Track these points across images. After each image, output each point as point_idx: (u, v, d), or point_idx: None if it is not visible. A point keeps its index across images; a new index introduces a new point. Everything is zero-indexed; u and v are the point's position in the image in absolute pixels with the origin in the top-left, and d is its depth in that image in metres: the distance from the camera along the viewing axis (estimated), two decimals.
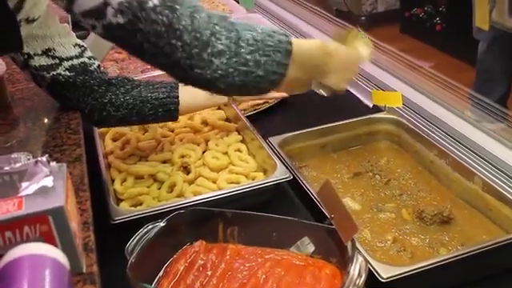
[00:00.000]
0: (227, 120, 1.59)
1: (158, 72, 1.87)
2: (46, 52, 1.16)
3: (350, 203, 1.27)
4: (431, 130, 1.49)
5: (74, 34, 1.23)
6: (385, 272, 0.96)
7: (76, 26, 1.39)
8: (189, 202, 1.18)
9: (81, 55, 1.21)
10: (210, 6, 2.70)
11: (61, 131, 1.15)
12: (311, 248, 1.04)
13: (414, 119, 1.55)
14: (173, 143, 1.46)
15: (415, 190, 1.32)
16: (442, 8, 2.17)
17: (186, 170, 1.34)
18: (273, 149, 1.37)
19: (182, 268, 1.02)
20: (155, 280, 1.01)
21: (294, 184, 1.27)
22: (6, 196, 0.68)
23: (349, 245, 0.94)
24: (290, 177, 1.24)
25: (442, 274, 1.01)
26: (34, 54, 1.16)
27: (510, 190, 1.18)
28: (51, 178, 0.71)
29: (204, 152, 1.42)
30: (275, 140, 1.41)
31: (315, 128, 1.48)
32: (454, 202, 1.26)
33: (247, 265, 1.01)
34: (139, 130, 1.53)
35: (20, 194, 0.69)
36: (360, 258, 0.91)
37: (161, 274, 1.02)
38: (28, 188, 0.70)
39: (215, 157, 1.39)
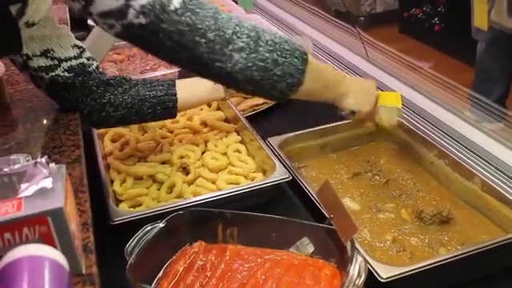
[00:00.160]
0: (226, 121, 1.59)
1: (157, 73, 1.87)
2: (45, 53, 1.17)
3: (350, 203, 1.27)
4: (430, 131, 1.49)
5: (73, 35, 1.24)
6: (384, 272, 0.96)
7: (74, 27, 1.40)
8: (188, 202, 1.18)
9: (79, 56, 1.21)
10: None
11: (60, 132, 1.15)
12: (311, 248, 1.04)
13: (413, 119, 1.55)
14: (172, 144, 1.46)
15: (414, 190, 1.32)
16: (440, 8, 2.17)
17: (185, 170, 1.34)
18: (272, 149, 1.37)
19: (181, 269, 1.02)
20: (155, 281, 1.01)
21: (294, 184, 1.27)
22: (6, 197, 0.68)
23: (348, 245, 0.94)
24: (289, 177, 1.24)
25: (441, 273, 1.01)
26: (33, 55, 1.16)
27: (509, 190, 1.18)
28: (50, 179, 0.71)
29: (203, 153, 1.42)
30: (274, 140, 1.41)
31: (314, 128, 1.48)
32: (454, 202, 1.26)
33: (246, 265, 1.01)
34: (138, 130, 1.53)
35: (19, 196, 0.69)
36: (359, 258, 0.91)
37: (160, 274, 1.02)
38: (27, 189, 0.70)
39: (214, 157, 1.39)
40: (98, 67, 1.24)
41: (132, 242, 1.00)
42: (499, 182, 1.22)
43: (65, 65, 1.18)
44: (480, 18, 1.39)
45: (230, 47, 0.90)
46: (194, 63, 0.92)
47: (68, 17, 1.94)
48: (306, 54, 1.01)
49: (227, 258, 1.02)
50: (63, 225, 0.68)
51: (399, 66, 1.82)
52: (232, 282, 0.97)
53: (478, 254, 1.01)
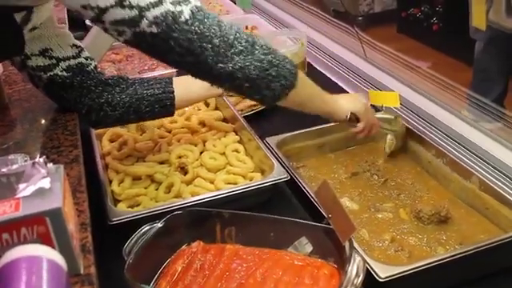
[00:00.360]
0: (224, 120, 1.59)
1: (155, 73, 1.87)
2: (44, 52, 1.16)
3: (348, 203, 1.27)
4: (429, 130, 1.49)
5: (72, 35, 1.23)
6: (383, 272, 0.96)
7: (73, 27, 1.40)
8: (186, 202, 1.18)
9: (78, 56, 1.21)
10: (207, 7, 2.69)
11: (58, 132, 1.15)
12: (309, 248, 1.04)
13: (412, 119, 1.56)
14: (170, 144, 1.46)
15: (413, 190, 1.32)
16: (438, 8, 2.17)
17: (183, 170, 1.34)
18: (270, 149, 1.37)
19: (179, 268, 1.02)
20: (153, 281, 1.01)
21: (292, 184, 1.27)
22: (3, 197, 0.68)
23: (346, 245, 0.94)
24: (287, 177, 1.24)
25: (439, 273, 1.01)
26: (32, 55, 1.16)
27: (507, 189, 1.18)
28: (48, 179, 0.71)
29: (201, 152, 1.42)
30: (273, 140, 1.41)
31: (313, 128, 1.48)
32: (452, 201, 1.26)
33: (245, 265, 1.01)
34: (136, 130, 1.52)
35: (17, 196, 0.69)
36: (358, 258, 0.92)
37: (159, 274, 1.02)
38: (25, 189, 0.70)
39: (213, 157, 1.39)
40: (96, 67, 1.24)
41: (130, 242, 1.00)
42: (497, 182, 1.22)
43: (63, 64, 1.18)
44: (478, 18, 1.39)
45: (232, 50, 0.98)
46: (199, 65, 0.99)
47: (66, 16, 1.94)
48: (294, 63, 1.11)
49: (225, 257, 1.02)
50: (61, 225, 0.68)
51: (397, 66, 1.82)
52: (230, 282, 0.97)
53: (476, 254, 1.01)
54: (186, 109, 1.59)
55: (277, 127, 1.54)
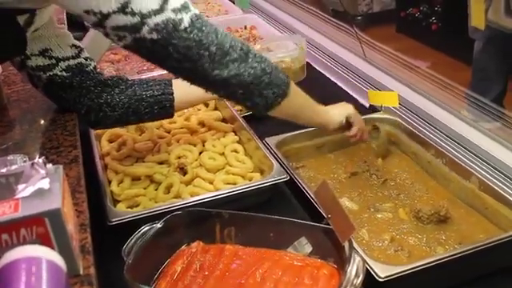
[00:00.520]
0: (224, 121, 1.59)
1: (154, 73, 1.87)
2: (43, 52, 1.16)
3: (347, 203, 1.27)
4: (428, 130, 1.49)
5: (71, 35, 1.23)
6: (382, 271, 0.96)
7: (72, 27, 1.39)
8: (186, 202, 1.18)
9: (77, 56, 1.21)
10: (205, 7, 2.70)
11: (57, 133, 1.15)
12: (308, 248, 1.04)
13: (411, 119, 1.56)
14: (169, 144, 1.46)
15: (412, 190, 1.32)
16: (437, 7, 2.17)
17: (182, 170, 1.34)
18: (269, 149, 1.37)
19: (179, 269, 1.02)
20: (152, 281, 1.01)
21: (291, 184, 1.27)
22: (3, 198, 0.68)
23: (346, 245, 0.94)
24: (286, 177, 1.24)
25: (439, 273, 1.01)
26: (31, 55, 1.16)
27: (506, 189, 1.18)
28: (47, 179, 0.71)
29: (201, 153, 1.42)
30: (272, 140, 1.41)
31: (312, 128, 1.48)
32: (451, 201, 1.26)
33: (244, 265, 1.01)
34: (135, 131, 1.52)
35: (16, 197, 0.69)
36: (357, 258, 0.92)
37: (158, 275, 1.02)
38: (24, 190, 0.70)
39: (212, 157, 1.38)
40: (95, 67, 1.24)
41: (130, 243, 1.00)
42: (496, 181, 1.22)
43: (63, 64, 1.18)
44: (477, 17, 1.39)
45: (227, 58, 1.01)
46: (195, 71, 1.01)
47: (65, 17, 1.94)
48: (286, 73, 1.14)
49: (225, 258, 1.02)
50: (60, 226, 0.68)
51: (396, 66, 1.82)
52: (230, 282, 0.97)
53: (476, 253, 1.01)
54: None
55: (276, 127, 1.53)
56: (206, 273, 1.00)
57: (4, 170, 0.72)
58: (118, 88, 1.23)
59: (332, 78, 1.97)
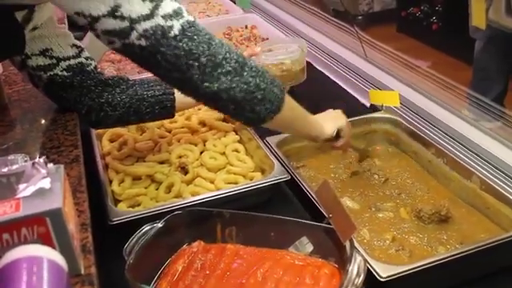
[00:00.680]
0: (225, 120, 1.59)
1: None
2: (44, 52, 1.16)
3: (349, 203, 1.27)
4: (429, 129, 1.49)
5: (72, 35, 1.23)
6: (383, 271, 0.96)
7: (72, 27, 1.39)
8: (187, 202, 1.18)
9: (78, 55, 1.21)
10: (206, 7, 2.70)
11: (58, 132, 1.15)
12: (310, 248, 1.04)
13: (412, 118, 1.55)
14: (170, 144, 1.45)
15: (413, 189, 1.32)
16: (438, 7, 2.18)
17: (183, 170, 1.34)
18: (270, 149, 1.36)
19: (180, 268, 1.02)
20: (153, 281, 1.00)
21: (292, 184, 1.27)
22: (4, 198, 0.68)
23: (347, 244, 0.94)
24: (287, 177, 1.24)
25: (440, 272, 1.01)
26: (32, 54, 1.16)
27: (507, 188, 1.18)
28: (48, 179, 0.71)
29: (202, 152, 1.42)
30: (273, 140, 1.41)
31: None
32: (452, 200, 1.26)
33: (245, 265, 1.01)
34: (136, 130, 1.52)
35: (17, 196, 0.69)
36: (359, 258, 0.91)
37: (159, 274, 1.02)
38: (25, 190, 0.70)
39: (213, 157, 1.38)
40: (96, 67, 1.24)
41: (131, 242, 1.00)
42: (498, 181, 1.22)
43: (63, 64, 1.18)
44: (478, 17, 1.39)
45: (219, 70, 0.97)
46: (184, 82, 0.98)
47: (66, 16, 1.94)
48: (282, 85, 1.09)
49: (226, 257, 1.02)
50: (62, 225, 0.68)
51: (397, 65, 1.82)
52: (231, 282, 0.97)
53: (477, 253, 1.01)
54: None
55: None
56: (207, 272, 1.00)
57: (5, 170, 0.72)
58: (118, 88, 1.23)
59: (333, 78, 1.97)
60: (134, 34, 0.91)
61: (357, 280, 0.88)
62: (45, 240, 0.67)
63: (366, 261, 0.93)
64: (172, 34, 0.92)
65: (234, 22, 2.39)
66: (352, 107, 1.69)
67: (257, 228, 1.08)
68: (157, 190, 1.29)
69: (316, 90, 1.81)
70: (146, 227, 1.03)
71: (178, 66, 0.94)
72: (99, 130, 1.47)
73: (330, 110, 1.32)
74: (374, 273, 0.96)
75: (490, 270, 1.07)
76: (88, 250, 0.79)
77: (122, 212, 1.17)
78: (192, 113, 1.59)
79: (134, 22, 0.90)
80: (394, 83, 1.76)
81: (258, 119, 1.06)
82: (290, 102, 1.10)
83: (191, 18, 0.95)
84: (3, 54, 1.15)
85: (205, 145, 1.45)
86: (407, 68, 1.79)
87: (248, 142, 1.45)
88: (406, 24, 2.19)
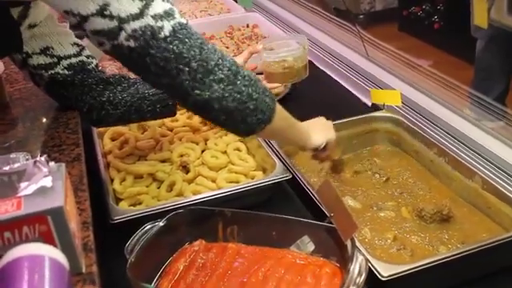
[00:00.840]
0: None
1: None
2: (45, 51, 1.16)
3: (350, 202, 1.27)
4: (430, 129, 1.49)
5: (73, 33, 1.23)
6: (385, 270, 0.96)
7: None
8: (188, 201, 1.18)
9: (79, 54, 1.21)
10: (208, 5, 2.70)
11: (59, 131, 1.15)
12: (311, 247, 1.04)
13: (413, 118, 1.55)
14: (172, 142, 1.45)
15: (415, 189, 1.32)
16: (440, 6, 2.17)
17: (185, 169, 1.34)
18: (272, 148, 1.36)
19: (181, 267, 1.02)
20: (155, 279, 1.01)
21: (294, 183, 1.27)
22: (5, 196, 0.68)
23: (349, 243, 0.94)
24: (289, 176, 1.24)
25: (442, 272, 1.00)
26: (33, 53, 1.16)
27: (509, 188, 1.18)
28: (50, 177, 0.71)
29: (203, 151, 1.42)
30: None
31: None
32: (454, 200, 1.26)
33: (247, 264, 1.00)
34: (138, 129, 1.52)
35: (19, 195, 0.69)
36: (360, 257, 0.91)
37: (160, 273, 1.02)
38: (27, 188, 0.70)
39: (214, 156, 1.38)
40: (97, 65, 1.24)
41: (132, 241, 1.00)
42: (499, 181, 1.21)
43: (64, 63, 1.18)
44: (480, 16, 1.39)
45: (211, 77, 0.93)
46: (174, 89, 0.95)
47: None
48: (273, 95, 1.05)
49: (227, 256, 1.02)
50: (63, 224, 0.68)
51: (399, 64, 1.82)
52: (232, 281, 0.97)
53: (479, 253, 1.01)
54: None
55: None
56: (209, 271, 1.00)
57: (7, 168, 0.72)
58: (120, 86, 1.23)
59: (334, 77, 1.97)
60: (123, 35, 0.88)
61: (358, 279, 0.88)
62: (46, 238, 0.67)
63: (367, 260, 0.93)
64: (162, 35, 0.89)
65: (236, 20, 2.39)
66: (353, 106, 1.69)
67: (258, 227, 1.08)
68: (158, 188, 1.29)
69: (317, 89, 1.81)
70: (148, 226, 1.03)
71: (168, 71, 0.91)
72: (100, 129, 1.47)
73: (322, 118, 1.29)
74: (376, 272, 0.96)
75: (492, 270, 1.07)
76: (89, 248, 0.78)
77: (124, 211, 1.17)
78: None
79: (122, 21, 0.87)
80: (395, 82, 1.76)
81: (249, 130, 1.03)
82: (280, 112, 1.07)
83: (183, 21, 0.92)
84: (0, 51, 1.14)
85: (206, 143, 1.45)
86: (409, 67, 1.79)
87: (249, 140, 1.45)
88: (407, 23, 2.19)
